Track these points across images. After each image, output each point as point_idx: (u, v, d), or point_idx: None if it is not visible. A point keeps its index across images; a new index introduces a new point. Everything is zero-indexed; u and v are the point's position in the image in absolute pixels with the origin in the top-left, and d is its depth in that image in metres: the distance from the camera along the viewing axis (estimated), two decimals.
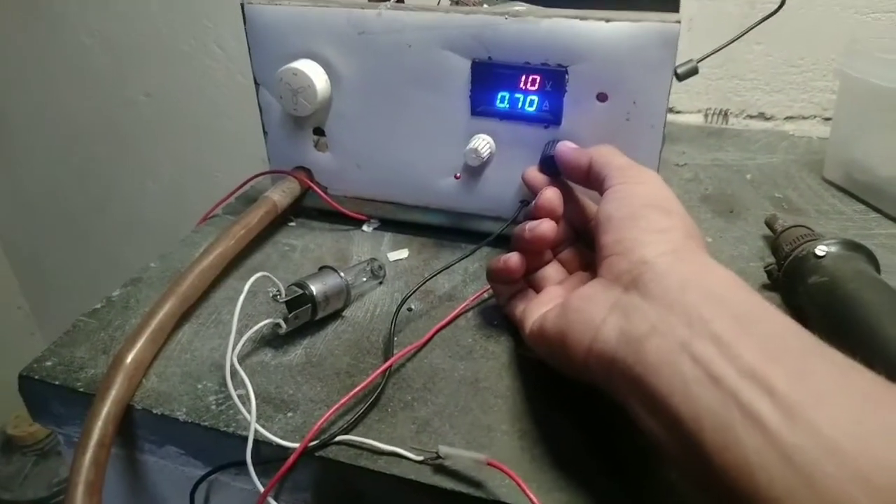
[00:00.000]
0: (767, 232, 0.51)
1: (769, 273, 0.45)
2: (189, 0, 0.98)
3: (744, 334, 0.25)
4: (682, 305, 0.27)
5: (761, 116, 0.81)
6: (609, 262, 0.32)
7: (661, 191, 0.35)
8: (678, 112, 0.83)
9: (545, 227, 0.38)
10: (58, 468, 1.26)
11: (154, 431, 0.37)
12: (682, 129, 0.80)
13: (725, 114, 0.82)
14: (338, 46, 0.47)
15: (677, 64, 0.61)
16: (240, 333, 0.39)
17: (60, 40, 1.09)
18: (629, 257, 0.31)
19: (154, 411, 0.36)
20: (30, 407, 0.40)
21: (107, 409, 0.34)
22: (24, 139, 1.22)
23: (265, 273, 0.39)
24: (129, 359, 0.37)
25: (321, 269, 0.43)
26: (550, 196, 0.39)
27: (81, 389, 0.37)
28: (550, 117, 0.45)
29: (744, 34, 0.63)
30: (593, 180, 0.38)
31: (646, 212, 0.33)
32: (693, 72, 0.61)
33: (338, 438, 0.33)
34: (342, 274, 0.43)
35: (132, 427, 0.37)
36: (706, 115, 0.82)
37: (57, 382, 0.38)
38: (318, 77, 0.47)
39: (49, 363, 0.39)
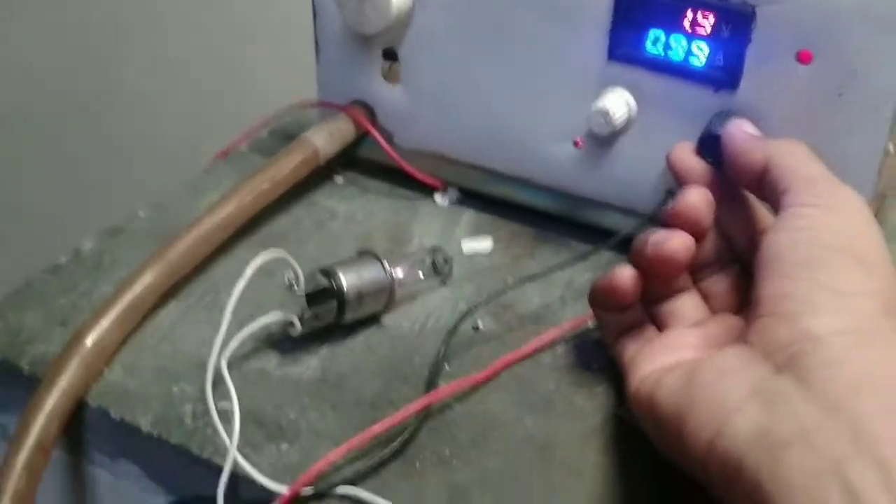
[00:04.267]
0: None
1: None
2: None
3: None
4: (851, 412, 0.28)
5: None
6: (763, 323, 0.33)
7: (862, 227, 0.35)
8: None
9: (675, 245, 0.39)
10: None
11: (109, 440, 0.42)
12: None
13: None
14: None
15: None
16: (238, 326, 0.42)
17: None
18: (793, 325, 0.32)
19: (112, 414, 0.41)
20: None
21: (53, 403, 0.40)
22: None
23: (279, 253, 0.42)
24: (90, 339, 0.42)
25: (361, 253, 0.47)
26: (695, 199, 0.40)
27: (26, 370, 0.43)
28: (724, 77, 0.46)
29: None
30: (767, 189, 0.39)
31: (831, 258, 0.34)
32: None
33: (340, 490, 0.37)
34: (388, 265, 0.46)
35: (82, 430, 0.42)
36: None
37: None
38: None
39: None
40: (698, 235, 0.40)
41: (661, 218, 0.42)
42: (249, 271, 0.41)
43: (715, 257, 0.43)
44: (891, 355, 0.31)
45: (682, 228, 0.40)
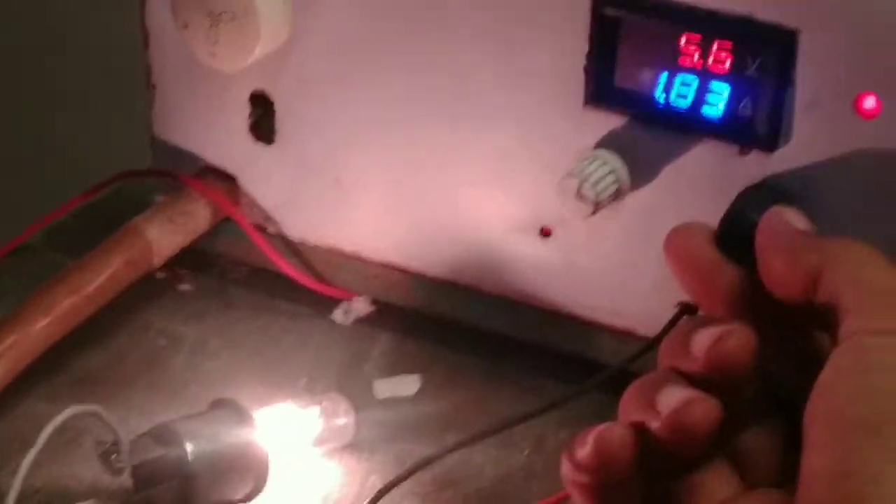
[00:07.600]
0: None
1: None
2: None
3: None
4: None
5: None
6: None
7: None
8: None
9: (698, 413, 0.37)
10: None
11: None
12: None
13: None
14: None
15: None
16: None
17: None
18: None
19: None
20: None
21: None
22: None
23: (88, 407, 0.41)
24: None
25: (217, 403, 0.46)
26: (737, 345, 0.38)
27: None
28: (755, 132, 0.46)
29: None
30: (820, 309, 0.38)
31: None
32: None
33: None
34: (257, 423, 0.45)
35: None
36: None
37: None
38: None
39: None
40: (731, 392, 0.38)
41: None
42: (41, 440, 0.40)
43: (749, 404, 0.41)
44: None
45: (716, 386, 0.38)
